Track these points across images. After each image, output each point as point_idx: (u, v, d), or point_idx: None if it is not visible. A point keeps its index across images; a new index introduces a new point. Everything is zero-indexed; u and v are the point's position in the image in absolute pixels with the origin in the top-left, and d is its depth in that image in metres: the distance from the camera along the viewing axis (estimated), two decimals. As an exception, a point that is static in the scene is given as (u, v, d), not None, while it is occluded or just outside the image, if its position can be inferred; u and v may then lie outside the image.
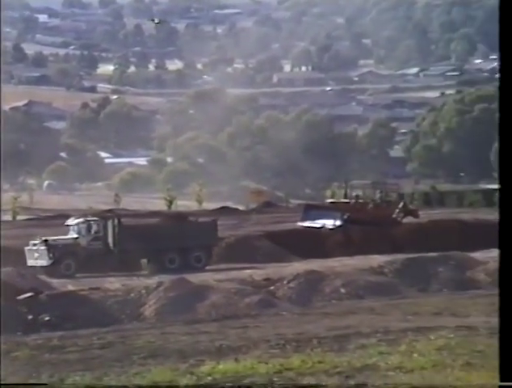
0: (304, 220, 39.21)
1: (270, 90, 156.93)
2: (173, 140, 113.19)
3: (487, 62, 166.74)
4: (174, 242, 33.14)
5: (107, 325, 23.97)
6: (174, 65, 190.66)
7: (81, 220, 33.89)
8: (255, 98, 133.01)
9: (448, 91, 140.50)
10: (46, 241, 32.61)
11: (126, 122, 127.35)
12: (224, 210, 48.50)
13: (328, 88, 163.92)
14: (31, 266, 32.24)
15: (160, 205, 59.03)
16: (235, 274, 30.11)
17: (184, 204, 60.53)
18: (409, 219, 39.71)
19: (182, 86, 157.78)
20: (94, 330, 22.73)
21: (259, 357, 16.45)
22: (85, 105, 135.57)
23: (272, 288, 27.54)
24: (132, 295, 26.71)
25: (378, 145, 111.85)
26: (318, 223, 38.19)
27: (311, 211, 39.80)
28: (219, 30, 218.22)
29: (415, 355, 15.55)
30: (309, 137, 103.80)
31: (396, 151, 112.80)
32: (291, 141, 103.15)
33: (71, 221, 34.13)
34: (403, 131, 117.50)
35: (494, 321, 20.53)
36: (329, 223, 38.12)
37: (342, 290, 27.15)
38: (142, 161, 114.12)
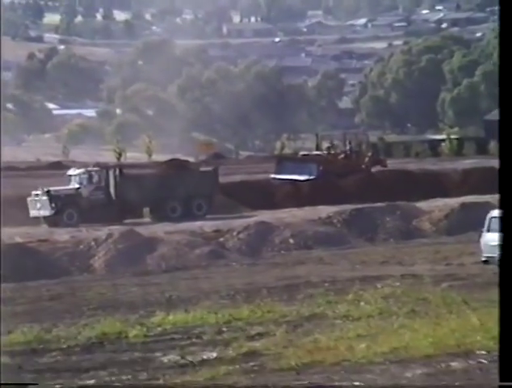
0: (278, 173, 39.32)
1: (219, 41, 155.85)
2: (122, 91, 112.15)
3: (433, 13, 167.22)
4: (175, 190, 33.52)
5: (56, 277, 23.97)
6: (121, 15, 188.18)
7: (82, 170, 34.18)
8: (204, 49, 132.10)
9: (396, 42, 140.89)
10: (48, 191, 32.88)
11: (74, 73, 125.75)
12: (173, 162, 48.39)
13: (277, 39, 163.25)
14: (33, 216, 32.58)
15: (109, 157, 58.75)
16: (185, 226, 30.23)
17: (133, 155, 60.33)
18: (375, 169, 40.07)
19: (131, 36, 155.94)
20: (43, 282, 22.73)
21: (209, 308, 16.64)
22: (31, 55, 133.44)
23: (222, 239, 27.73)
24: (82, 247, 26.72)
25: (327, 96, 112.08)
26: (293, 176, 38.21)
27: (284, 163, 39.98)
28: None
29: (362, 303, 15.84)
30: (259, 89, 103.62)
31: (345, 102, 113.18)
32: (241, 92, 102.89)
33: (72, 172, 34.42)
34: (351, 82, 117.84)
35: (438, 268, 20.98)
36: (305, 175, 38.30)
37: (291, 241, 27.44)
38: (91, 112, 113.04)
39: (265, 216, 31.22)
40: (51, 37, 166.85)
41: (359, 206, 30.36)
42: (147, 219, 33.37)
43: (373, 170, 39.85)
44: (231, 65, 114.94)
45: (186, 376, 11.82)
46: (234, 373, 11.63)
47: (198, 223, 30.70)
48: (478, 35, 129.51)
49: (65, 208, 32.72)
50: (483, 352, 11.24)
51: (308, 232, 27.79)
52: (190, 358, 12.65)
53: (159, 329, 14.92)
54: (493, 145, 58.81)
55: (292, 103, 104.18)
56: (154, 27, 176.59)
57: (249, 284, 20.22)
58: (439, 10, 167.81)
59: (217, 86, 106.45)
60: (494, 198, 31.35)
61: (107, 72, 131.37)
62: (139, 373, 12.23)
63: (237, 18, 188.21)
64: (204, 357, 12.65)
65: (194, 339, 14.00)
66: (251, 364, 12.02)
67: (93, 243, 26.88)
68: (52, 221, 32.49)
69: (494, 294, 16.66)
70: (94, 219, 32.35)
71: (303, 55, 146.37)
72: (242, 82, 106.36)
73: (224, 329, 14.56)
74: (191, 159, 54.93)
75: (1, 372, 12.35)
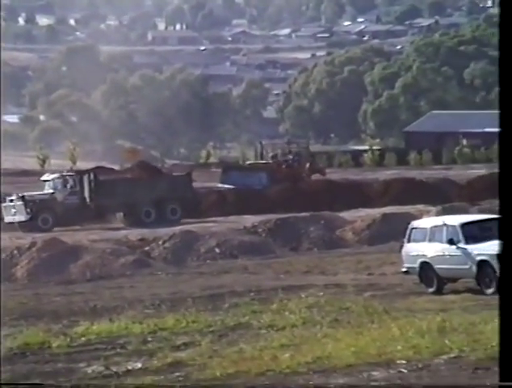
0: (224, 182, 39.23)
1: (144, 48, 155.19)
2: (45, 97, 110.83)
3: (355, 25, 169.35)
4: (149, 195, 33.77)
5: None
6: (44, 20, 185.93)
7: (56, 175, 34.30)
8: (129, 55, 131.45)
9: (319, 53, 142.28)
10: (23, 197, 32.99)
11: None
12: (98, 170, 48.07)
13: (202, 47, 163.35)
14: (8, 222, 32.62)
15: (32, 164, 58.02)
16: (110, 234, 30.08)
17: (57, 162, 59.66)
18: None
19: (54, 41, 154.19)
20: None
21: (134, 317, 16.64)
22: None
23: (147, 248, 27.69)
24: (4, 256, 26.39)
25: (252, 105, 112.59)
26: (243, 185, 38.16)
27: (231, 173, 40.00)
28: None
29: (286, 313, 16.03)
30: (184, 97, 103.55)
31: (269, 112, 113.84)
32: (166, 100, 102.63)
33: (47, 177, 34.47)
34: (276, 92, 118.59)
35: (360, 278, 21.32)
36: (256, 184, 38.40)
37: (217, 250, 27.55)
38: (13, 118, 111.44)
39: (190, 225, 31.27)
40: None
41: (284, 216, 30.62)
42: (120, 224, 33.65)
43: (313, 177, 40.83)
44: (156, 72, 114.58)
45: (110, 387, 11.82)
46: (159, 384, 11.67)
47: (123, 232, 30.59)
48: (398, 47, 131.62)
49: (39, 213, 32.86)
50: (403, 362, 11.51)
51: (233, 241, 27.92)
52: (114, 368, 12.64)
53: (83, 339, 14.87)
54: (413, 157, 59.88)
55: (217, 112, 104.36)
56: (78, 33, 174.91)
57: (174, 293, 20.26)
58: (361, 22, 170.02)
59: (142, 93, 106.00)
60: (414, 208, 31.99)
61: (29, 77, 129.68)
62: (62, 383, 12.18)
63: (162, 26, 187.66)
64: (129, 368, 12.66)
65: (118, 349, 13.99)
66: (176, 374, 12.09)
67: (15, 252, 26.58)
68: (27, 226, 32.56)
69: (414, 304, 17.07)
70: (69, 224, 32.59)
71: (228, 64, 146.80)
72: (167, 89, 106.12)
73: (149, 339, 14.58)
74: (116, 167, 54.68)
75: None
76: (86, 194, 33.64)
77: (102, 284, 22.76)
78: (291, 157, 41.58)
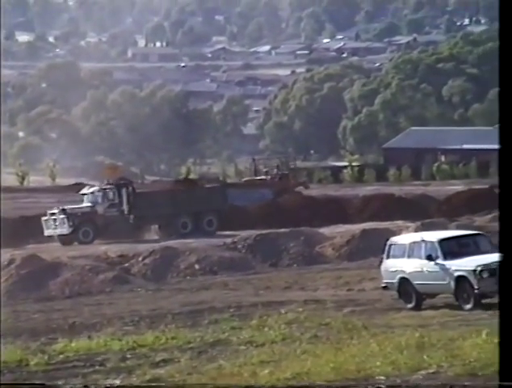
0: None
1: (124, 64, 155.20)
2: (24, 114, 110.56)
3: (334, 42, 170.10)
4: (186, 207, 34.10)
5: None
6: (24, 36, 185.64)
7: (96, 188, 34.72)
8: (109, 72, 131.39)
9: (299, 69, 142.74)
10: (64, 210, 33.24)
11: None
12: (77, 186, 47.96)
13: (182, 64, 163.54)
14: (48, 235, 32.88)
15: (11, 181, 57.82)
16: (89, 250, 29.99)
17: (37, 179, 59.55)
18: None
19: (34, 58, 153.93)
20: None
21: (113, 334, 16.60)
22: None
23: (127, 264, 27.61)
24: (-18, 273, 26.22)
25: (232, 121, 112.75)
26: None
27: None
28: (70, 2, 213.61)
29: (266, 329, 16.04)
30: (164, 113, 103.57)
31: (250, 128, 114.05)
32: (146, 116, 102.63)
33: (86, 190, 34.89)
34: (256, 108, 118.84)
35: (340, 294, 21.37)
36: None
37: (197, 266, 27.51)
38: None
39: (170, 241, 31.22)
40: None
41: (264, 232, 30.62)
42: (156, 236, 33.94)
43: (296, 190, 42.00)
44: (136, 88, 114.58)
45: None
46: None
47: (103, 248, 30.51)
48: (377, 64, 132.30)
49: (81, 226, 33.24)
50: (381, 378, 11.54)
51: (213, 257, 27.90)
52: (92, 386, 12.60)
53: (61, 356, 14.81)
54: (392, 173, 60.16)
55: (198, 128, 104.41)
56: (58, 50, 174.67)
57: (154, 309, 20.23)
58: (340, 39, 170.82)
59: (122, 110, 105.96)
60: (394, 224, 32.09)
61: (9, 94, 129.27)
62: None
63: (142, 43, 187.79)
64: (107, 385, 12.62)
65: (97, 367, 13.94)
66: (155, 391, 12.05)
67: (-6, 269, 26.42)
68: (68, 239, 32.95)
69: (393, 319, 17.11)
70: (109, 236, 32.84)
71: (208, 80, 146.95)
72: (148, 106, 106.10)
73: (128, 356, 14.55)
74: (97, 183, 54.59)
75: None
76: (125, 206, 33.95)
77: (81, 301, 22.69)
78: (277, 171, 42.64)
